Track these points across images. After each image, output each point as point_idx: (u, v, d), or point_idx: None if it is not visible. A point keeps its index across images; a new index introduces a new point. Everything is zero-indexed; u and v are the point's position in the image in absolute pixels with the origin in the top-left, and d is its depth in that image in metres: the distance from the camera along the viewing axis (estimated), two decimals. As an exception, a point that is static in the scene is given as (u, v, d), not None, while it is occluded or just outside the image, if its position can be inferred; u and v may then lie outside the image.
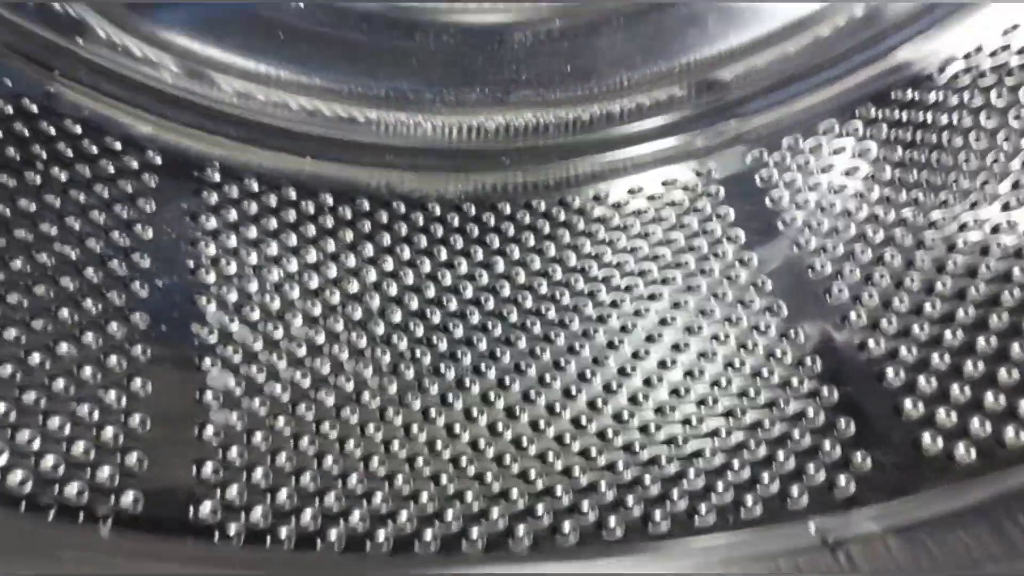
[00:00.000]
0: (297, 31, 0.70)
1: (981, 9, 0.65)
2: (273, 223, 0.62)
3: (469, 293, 0.62)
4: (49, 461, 0.44)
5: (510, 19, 0.72)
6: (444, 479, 0.51)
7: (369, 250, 0.63)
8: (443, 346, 0.59)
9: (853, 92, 0.67)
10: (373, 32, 0.71)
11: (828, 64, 0.70)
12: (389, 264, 0.63)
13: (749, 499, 0.46)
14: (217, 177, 0.63)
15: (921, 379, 0.51)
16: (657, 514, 0.46)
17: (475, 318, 0.61)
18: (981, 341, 0.51)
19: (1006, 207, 0.55)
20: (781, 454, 0.50)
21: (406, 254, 0.64)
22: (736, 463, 0.50)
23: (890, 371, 0.52)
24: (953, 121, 0.59)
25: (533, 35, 0.71)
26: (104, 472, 0.44)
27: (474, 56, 0.70)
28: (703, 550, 0.42)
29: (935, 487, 0.42)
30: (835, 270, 0.58)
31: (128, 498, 0.44)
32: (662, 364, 0.57)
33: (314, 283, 0.60)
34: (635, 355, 0.58)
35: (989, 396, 0.48)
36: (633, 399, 0.55)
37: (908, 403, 0.50)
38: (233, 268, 0.58)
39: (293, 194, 0.65)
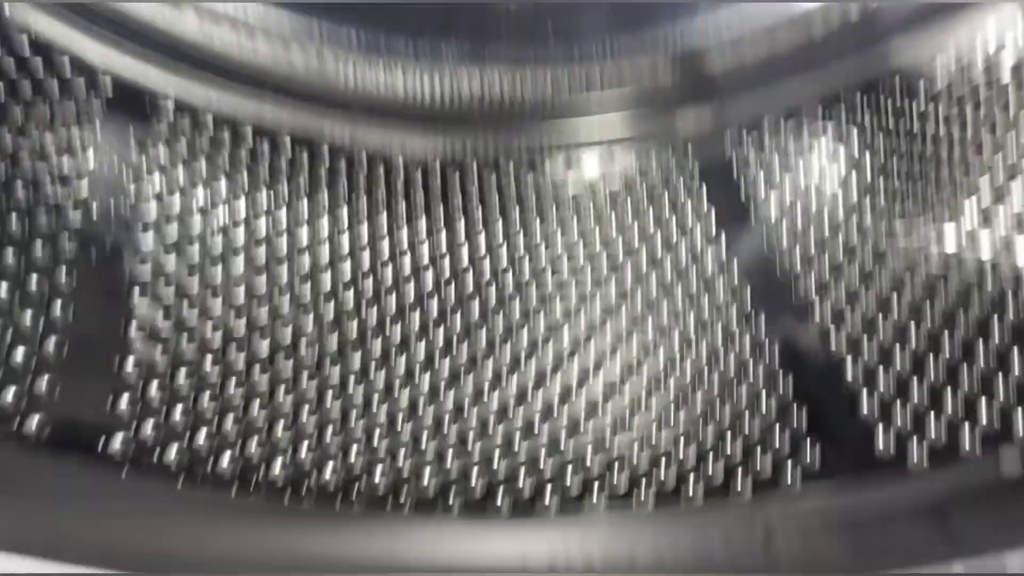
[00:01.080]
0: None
1: (969, 10, 0.63)
2: (225, 162, 0.59)
3: (425, 252, 0.60)
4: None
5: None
6: (375, 438, 0.48)
7: (324, 199, 0.60)
8: (391, 306, 0.56)
9: (839, 80, 0.65)
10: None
11: (816, 54, 0.67)
12: (344, 216, 0.60)
13: (691, 481, 0.44)
14: (171, 107, 0.60)
15: (881, 379, 0.48)
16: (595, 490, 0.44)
17: (428, 279, 0.58)
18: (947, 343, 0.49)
19: (996, 198, 0.52)
20: (729, 437, 0.48)
21: (363, 207, 0.61)
22: (682, 446, 0.48)
23: (849, 362, 0.50)
24: (938, 110, 0.57)
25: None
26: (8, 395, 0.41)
27: (452, 8, 0.67)
28: (642, 526, 0.40)
29: (885, 484, 0.39)
30: (805, 256, 0.56)
31: (32, 423, 0.41)
32: (618, 338, 0.55)
33: (262, 230, 0.57)
34: (591, 327, 0.55)
35: (948, 398, 0.46)
36: (584, 375, 0.53)
37: (864, 398, 0.48)
38: (177, 205, 0.55)
39: (249, 134, 0.61)
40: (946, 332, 0.49)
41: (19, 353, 0.44)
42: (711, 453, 0.47)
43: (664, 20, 0.69)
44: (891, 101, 0.62)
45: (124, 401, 0.44)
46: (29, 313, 0.45)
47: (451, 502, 0.44)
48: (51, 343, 0.45)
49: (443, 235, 0.61)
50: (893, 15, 0.65)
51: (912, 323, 0.50)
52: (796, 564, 0.34)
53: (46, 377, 0.43)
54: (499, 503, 0.43)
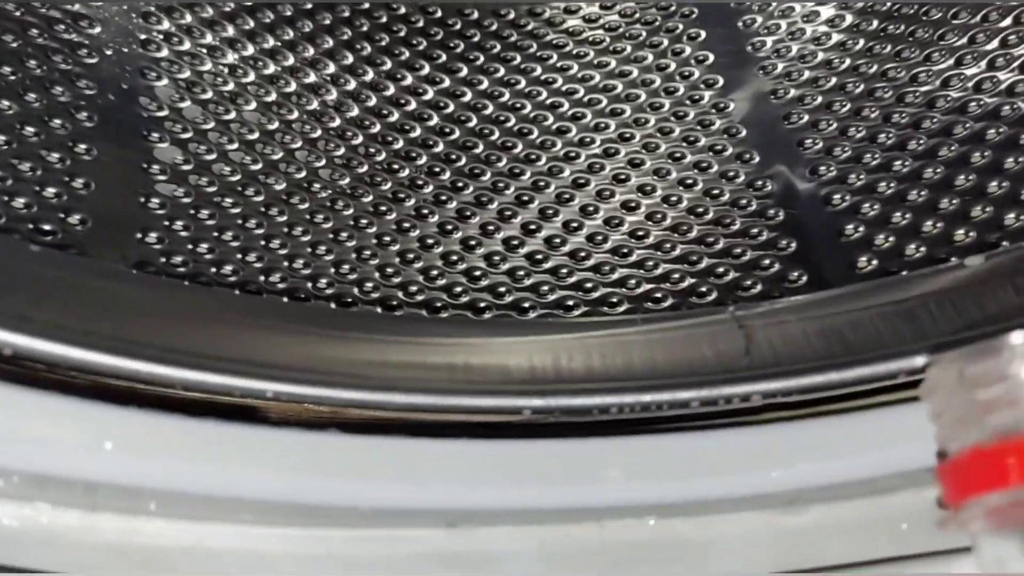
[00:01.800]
0: None
1: None
2: (230, 5, 0.60)
3: (430, 95, 0.61)
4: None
5: None
6: (389, 271, 0.51)
7: (328, 43, 0.62)
8: (399, 144, 0.58)
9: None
10: None
11: None
12: (348, 59, 0.61)
13: (684, 298, 0.48)
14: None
15: (865, 204, 0.51)
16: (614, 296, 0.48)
17: (433, 121, 0.60)
18: (928, 171, 0.51)
19: (973, 40, 0.54)
20: (721, 268, 0.51)
21: (367, 51, 0.62)
22: (676, 275, 0.51)
23: (837, 196, 0.53)
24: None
25: None
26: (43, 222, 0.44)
27: None
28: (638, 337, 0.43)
29: (860, 296, 0.43)
30: (798, 96, 0.58)
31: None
32: (616, 179, 0.57)
33: (269, 69, 0.59)
34: (589, 169, 0.58)
35: (927, 224, 0.49)
36: (583, 210, 0.56)
37: (850, 227, 0.51)
38: (187, 45, 0.57)
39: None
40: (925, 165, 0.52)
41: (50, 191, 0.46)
42: (704, 275, 0.50)
43: None
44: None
45: (152, 236, 0.47)
46: (56, 155, 0.48)
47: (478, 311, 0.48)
48: (79, 182, 0.47)
49: (446, 79, 0.62)
50: None
51: (894, 157, 0.53)
52: (773, 363, 0.37)
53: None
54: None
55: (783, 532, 0.31)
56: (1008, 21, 0.54)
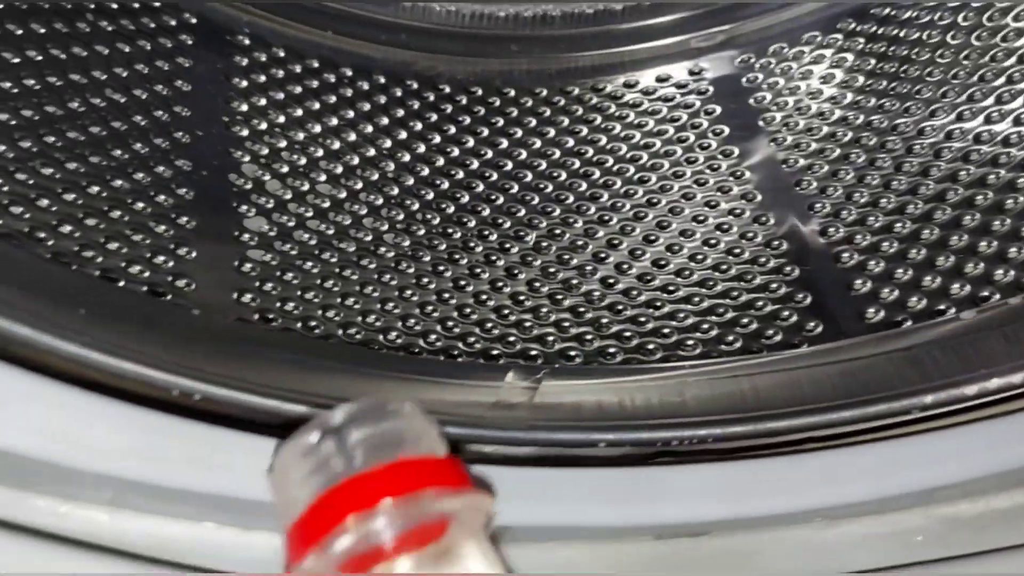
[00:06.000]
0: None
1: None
2: (298, 89, 0.67)
3: (475, 166, 0.68)
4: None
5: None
6: (450, 324, 0.58)
7: (384, 121, 0.69)
8: (450, 210, 0.65)
9: (835, 7, 0.73)
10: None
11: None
12: (403, 135, 0.69)
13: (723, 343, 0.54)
14: (247, 43, 0.68)
15: (871, 262, 0.58)
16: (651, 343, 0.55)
17: (479, 188, 0.67)
18: (925, 232, 0.58)
19: (960, 117, 0.61)
20: (744, 319, 0.58)
21: (418, 127, 0.70)
22: (705, 325, 0.58)
23: (845, 255, 0.59)
24: (923, 37, 0.65)
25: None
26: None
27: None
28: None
29: (871, 343, 0.49)
30: (807, 164, 0.65)
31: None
32: (646, 239, 0.64)
33: (335, 146, 0.66)
34: (621, 231, 0.65)
35: (927, 279, 0.56)
36: (618, 267, 0.62)
37: (858, 282, 0.58)
38: (264, 126, 0.64)
39: (316, 64, 0.69)
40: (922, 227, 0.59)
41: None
42: (729, 326, 0.57)
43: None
44: (881, 26, 0.70)
45: (247, 297, 0.53)
46: (162, 227, 0.54)
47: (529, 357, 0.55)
48: (183, 250, 0.54)
49: (488, 151, 0.70)
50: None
51: (895, 220, 0.60)
52: (789, 402, 0.43)
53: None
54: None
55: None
56: (991, 100, 0.61)
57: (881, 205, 0.61)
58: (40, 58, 0.55)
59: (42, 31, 0.57)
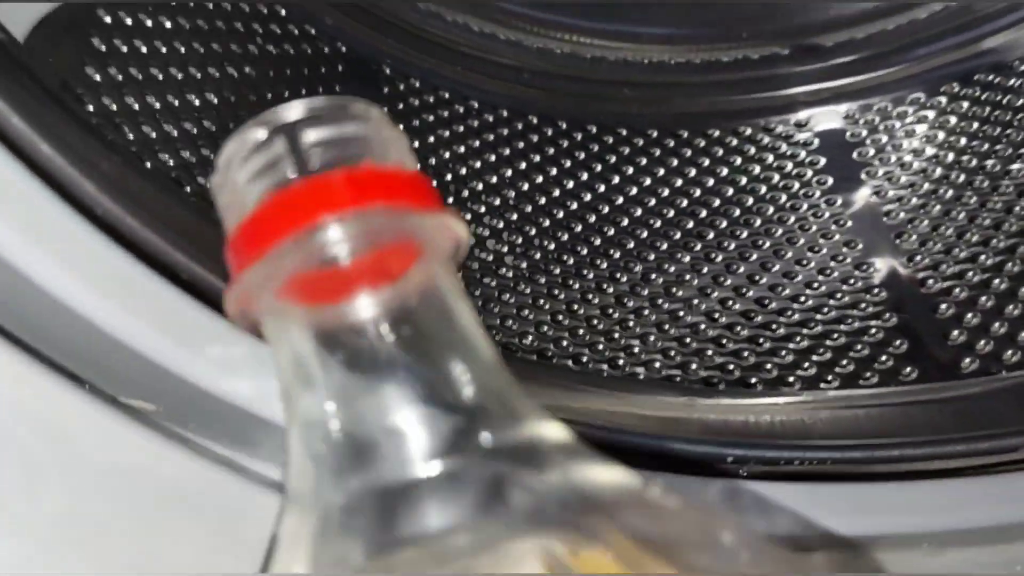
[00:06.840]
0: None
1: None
2: (431, 117, 0.73)
3: (580, 203, 0.73)
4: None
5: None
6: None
7: (506, 152, 0.74)
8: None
9: (941, 70, 0.77)
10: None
11: (922, 42, 0.79)
12: (522, 165, 0.74)
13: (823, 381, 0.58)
14: (388, 72, 0.74)
15: (968, 314, 0.61)
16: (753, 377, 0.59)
17: (592, 220, 0.72)
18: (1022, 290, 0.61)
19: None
20: (844, 361, 0.61)
21: (536, 159, 0.75)
22: (806, 363, 0.61)
23: (943, 305, 0.63)
24: (1027, 105, 0.69)
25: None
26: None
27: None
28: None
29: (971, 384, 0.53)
30: (907, 218, 0.68)
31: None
32: (750, 278, 0.68)
33: (463, 171, 0.71)
34: (728, 268, 0.69)
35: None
36: (722, 302, 0.66)
37: (955, 332, 0.61)
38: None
39: (447, 96, 0.75)
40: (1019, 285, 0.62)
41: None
42: (828, 366, 0.60)
43: (786, 12, 0.81)
44: (984, 91, 0.74)
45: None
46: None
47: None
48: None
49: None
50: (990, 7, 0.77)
51: (992, 276, 0.63)
52: (905, 431, 0.47)
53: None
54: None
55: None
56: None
57: (980, 261, 0.64)
58: (218, 75, 0.62)
59: (219, 50, 0.63)
